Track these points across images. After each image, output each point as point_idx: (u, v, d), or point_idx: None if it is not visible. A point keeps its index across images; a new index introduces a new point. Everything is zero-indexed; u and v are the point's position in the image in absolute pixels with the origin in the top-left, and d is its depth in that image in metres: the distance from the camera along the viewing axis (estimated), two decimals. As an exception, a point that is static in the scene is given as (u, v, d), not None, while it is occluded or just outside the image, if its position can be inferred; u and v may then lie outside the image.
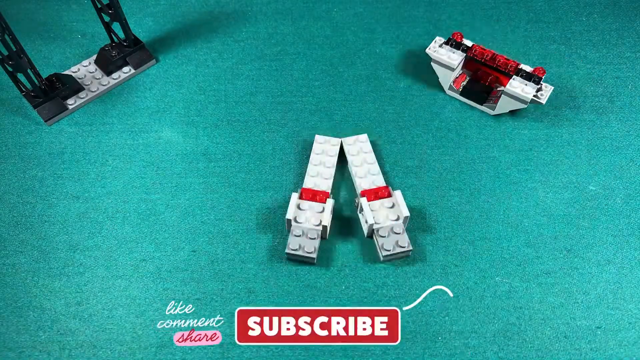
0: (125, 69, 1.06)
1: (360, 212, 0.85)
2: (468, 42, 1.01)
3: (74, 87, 1.01)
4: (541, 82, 0.95)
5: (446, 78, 1.01)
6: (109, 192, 0.90)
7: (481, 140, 0.97)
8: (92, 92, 1.02)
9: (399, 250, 0.80)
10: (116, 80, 1.04)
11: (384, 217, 0.83)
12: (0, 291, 0.80)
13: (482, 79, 1.01)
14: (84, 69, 1.05)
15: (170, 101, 1.02)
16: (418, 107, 1.02)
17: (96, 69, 1.05)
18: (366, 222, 0.82)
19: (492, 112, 0.99)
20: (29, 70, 0.92)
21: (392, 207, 0.84)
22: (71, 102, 1.00)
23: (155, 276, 0.81)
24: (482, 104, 1.00)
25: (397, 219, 0.83)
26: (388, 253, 0.80)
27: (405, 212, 0.82)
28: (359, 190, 0.87)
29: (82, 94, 1.02)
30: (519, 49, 1.11)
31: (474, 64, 1.01)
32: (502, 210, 0.88)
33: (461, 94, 1.01)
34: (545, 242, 0.85)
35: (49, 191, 0.90)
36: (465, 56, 0.99)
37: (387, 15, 1.18)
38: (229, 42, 1.13)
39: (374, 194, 0.85)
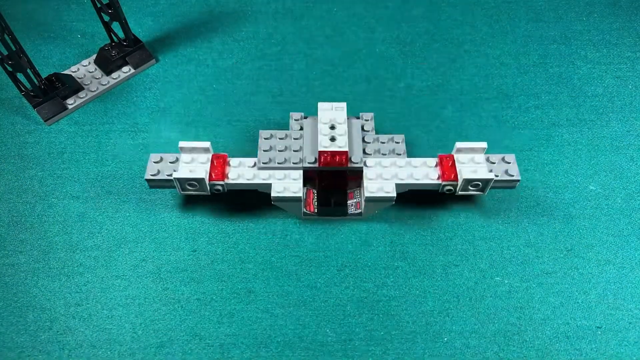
0: (125, 68, 1.06)
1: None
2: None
3: (74, 86, 1.01)
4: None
5: (297, 208, 0.84)
6: (108, 192, 0.90)
7: (481, 140, 0.97)
8: (92, 91, 1.02)
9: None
10: (116, 80, 1.04)
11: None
12: (0, 291, 0.80)
13: (328, 185, 0.87)
14: (84, 69, 1.05)
15: (170, 101, 1.02)
16: (418, 107, 1.02)
17: (96, 69, 1.05)
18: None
19: (362, 217, 0.86)
20: (28, 70, 0.92)
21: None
22: (71, 102, 1.00)
23: (155, 276, 0.81)
24: (346, 216, 0.86)
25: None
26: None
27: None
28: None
29: (81, 94, 1.01)
30: (519, 48, 1.11)
31: (311, 174, 0.86)
32: (502, 211, 0.88)
33: (319, 215, 0.86)
34: (545, 242, 0.85)
35: (48, 191, 0.90)
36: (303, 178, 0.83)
37: (387, 15, 1.18)
38: (229, 42, 1.12)
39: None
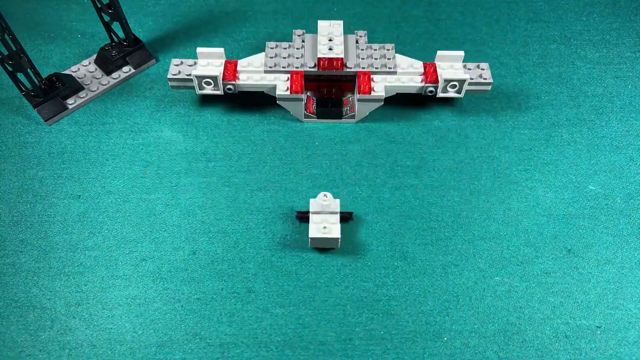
0: (125, 68, 1.06)
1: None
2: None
3: (74, 86, 1.01)
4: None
5: (298, 109, 0.97)
6: (109, 192, 0.90)
7: (481, 140, 0.97)
8: (92, 91, 1.02)
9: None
10: (116, 80, 1.04)
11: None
12: (0, 291, 0.80)
13: (327, 93, 1.00)
14: (84, 69, 1.05)
15: (170, 101, 1.02)
16: (418, 107, 1.02)
17: (96, 69, 1.05)
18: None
19: (354, 121, 0.98)
20: (28, 70, 0.92)
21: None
22: (71, 102, 1.00)
23: (155, 276, 0.81)
24: (341, 119, 0.98)
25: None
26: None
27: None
28: None
29: (82, 94, 1.02)
30: (519, 48, 1.11)
31: (311, 83, 0.98)
32: (502, 210, 0.88)
33: (318, 117, 0.98)
34: (545, 242, 0.85)
35: (48, 191, 0.90)
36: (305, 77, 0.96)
37: (387, 15, 1.18)
38: (229, 42, 1.13)
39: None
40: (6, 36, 0.87)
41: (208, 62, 0.96)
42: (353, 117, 0.98)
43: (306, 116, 0.98)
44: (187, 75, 0.95)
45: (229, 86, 0.94)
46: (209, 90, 0.95)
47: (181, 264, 0.83)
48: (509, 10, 1.19)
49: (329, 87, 0.99)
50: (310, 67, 0.95)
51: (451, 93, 0.95)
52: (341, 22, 0.99)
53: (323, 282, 0.81)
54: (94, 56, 1.07)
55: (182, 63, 0.97)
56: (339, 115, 0.98)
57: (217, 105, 1.02)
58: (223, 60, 0.96)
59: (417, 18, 1.17)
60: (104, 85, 1.03)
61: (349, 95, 1.00)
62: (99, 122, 0.99)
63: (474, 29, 1.15)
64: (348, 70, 0.95)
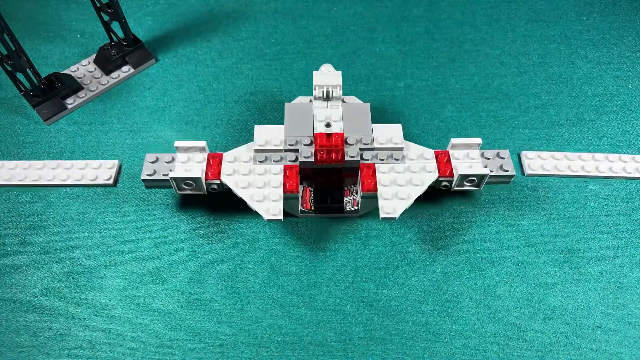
0: (125, 68, 1.05)
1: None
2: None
3: (73, 86, 1.01)
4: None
5: (294, 206, 0.84)
6: (108, 192, 0.90)
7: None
8: (92, 91, 1.02)
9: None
10: (115, 80, 1.04)
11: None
12: (0, 291, 0.80)
13: (325, 183, 0.87)
14: (83, 69, 1.05)
15: (169, 100, 1.02)
16: (418, 106, 1.02)
17: (95, 69, 1.05)
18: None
19: (357, 215, 0.87)
20: (28, 70, 0.92)
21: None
22: (70, 102, 1.00)
23: (155, 276, 0.81)
24: (342, 213, 0.87)
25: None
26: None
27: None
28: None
29: (81, 94, 1.01)
30: (519, 48, 1.11)
31: (307, 171, 0.84)
32: (502, 210, 0.88)
33: (316, 212, 0.86)
34: (545, 242, 0.85)
35: (48, 191, 0.90)
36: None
37: (387, 15, 1.18)
38: (228, 42, 1.12)
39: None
40: (5, 36, 0.86)
41: (188, 156, 0.82)
42: (356, 212, 0.86)
43: (302, 212, 0.86)
44: (164, 175, 0.82)
45: (213, 186, 0.81)
46: (189, 191, 0.82)
47: (181, 264, 0.82)
48: (509, 10, 1.19)
49: (328, 176, 0.86)
50: (305, 157, 0.81)
51: (468, 187, 0.82)
52: (339, 103, 0.82)
53: (323, 282, 0.81)
54: (93, 56, 1.07)
55: (157, 159, 0.83)
56: (340, 210, 0.86)
57: (216, 104, 1.01)
58: (205, 155, 0.83)
59: (417, 18, 1.17)
60: (103, 85, 1.03)
61: (352, 187, 0.88)
62: (98, 122, 0.99)
63: (474, 28, 1.15)
64: (350, 160, 0.81)
